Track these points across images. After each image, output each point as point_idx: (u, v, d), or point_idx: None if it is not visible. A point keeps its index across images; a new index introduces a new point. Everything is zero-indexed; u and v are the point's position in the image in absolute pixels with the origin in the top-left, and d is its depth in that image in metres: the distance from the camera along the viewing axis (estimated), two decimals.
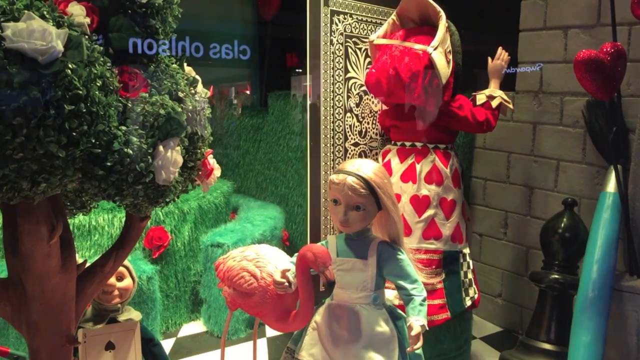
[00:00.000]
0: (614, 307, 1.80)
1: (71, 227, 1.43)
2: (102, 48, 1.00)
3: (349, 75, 2.06)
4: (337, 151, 2.05)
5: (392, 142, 2.03)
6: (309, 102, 2.00)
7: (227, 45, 1.36)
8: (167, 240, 2.44)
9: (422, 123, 1.88)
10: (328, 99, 1.99)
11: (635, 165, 1.87)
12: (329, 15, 1.96)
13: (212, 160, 1.33)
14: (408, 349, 1.34)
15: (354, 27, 2.05)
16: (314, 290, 1.42)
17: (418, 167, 1.89)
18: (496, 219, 2.66)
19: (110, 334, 1.53)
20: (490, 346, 2.42)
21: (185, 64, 1.24)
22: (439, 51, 1.75)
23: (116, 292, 1.58)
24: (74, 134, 0.91)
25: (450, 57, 1.82)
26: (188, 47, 1.25)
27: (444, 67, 1.76)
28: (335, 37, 1.99)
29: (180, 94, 1.14)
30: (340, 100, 2.04)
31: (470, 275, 1.97)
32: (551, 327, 2.05)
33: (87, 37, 0.98)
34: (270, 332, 2.48)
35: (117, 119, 1.02)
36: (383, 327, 1.41)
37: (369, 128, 2.15)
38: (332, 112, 2.01)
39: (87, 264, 1.27)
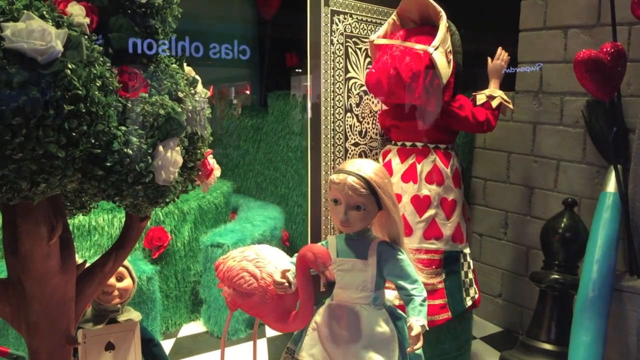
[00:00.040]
0: (614, 307, 1.79)
1: (71, 228, 1.43)
2: (101, 48, 1.00)
3: (349, 75, 2.06)
4: (337, 151, 2.05)
5: (393, 142, 2.03)
6: (309, 102, 1.99)
7: (226, 45, 1.36)
8: (167, 240, 2.44)
9: (423, 123, 1.88)
10: (328, 99, 1.99)
11: (636, 165, 1.87)
12: (329, 15, 1.96)
13: (212, 161, 1.33)
14: (408, 349, 1.34)
15: (354, 27, 2.05)
16: (314, 290, 1.42)
17: (419, 167, 1.89)
18: (496, 219, 2.66)
19: (110, 334, 1.53)
20: (491, 346, 2.42)
21: (185, 64, 1.24)
22: (440, 51, 1.75)
23: (116, 293, 1.58)
24: (74, 134, 0.91)
25: (451, 57, 1.81)
26: (188, 47, 1.25)
27: (444, 67, 1.76)
28: (335, 37, 1.99)
29: (180, 94, 1.14)
30: (341, 100, 2.04)
31: (470, 275, 1.97)
32: (551, 327, 2.04)
33: (86, 37, 0.98)
34: (270, 332, 2.47)
35: (116, 119, 1.01)
36: (383, 328, 1.41)
37: (368, 128, 2.15)
38: (332, 112, 2.01)
39: (87, 265, 1.27)
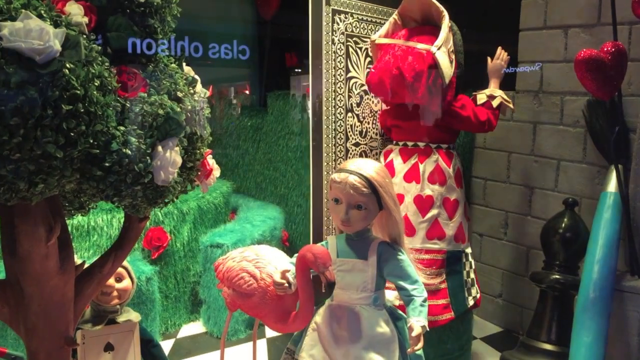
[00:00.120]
0: (615, 308, 1.79)
1: (69, 228, 1.43)
2: (100, 48, 1.00)
3: (350, 74, 2.05)
4: (338, 151, 2.04)
5: (394, 142, 2.03)
6: (310, 102, 1.99)
7: (226, 45, 1.35)
8: (166, 240, 2.43)
9: (425, 123, 1.88)
10: (329, 99, 1.99)
11: (636, 165, 1.86)
12: (330, 15, 1.95)
13: (211, 161, 1.32)
14: (409, 349, 1.34)
15: (355, 27, 2.04)
16: (314, 291, 1.41)
17: (421, 167, 1.89)
18: (496, 219, 2.65)
19: (109, 335, 1.53)
20: (491, 346, 2.41)
21: (184, 64, 1.24)
22: (443, 51, 1.75)
23: (115, 293, 1.57)
24: (72, 134, 0.90)
25: (453, 56, 1.81)
26: (187, 46, 1.25)
27: (447, 67, 1.75)
28: (336, 37, 1.98)
29: (179, 94, 1.13)
30: (342, 100, 2.03)
31: (472, 275, 1.97)
32: (552, 327, 2.04)
33: (85, 36, 0.97)
34: (270, 332, 2.47)
35: (115, 119, 1.01)
36: (383, 328, 1.40)
37: (369, 128, 2.15)
38: (333, 111, 2.01)
39: (86, 265, 1.27)
